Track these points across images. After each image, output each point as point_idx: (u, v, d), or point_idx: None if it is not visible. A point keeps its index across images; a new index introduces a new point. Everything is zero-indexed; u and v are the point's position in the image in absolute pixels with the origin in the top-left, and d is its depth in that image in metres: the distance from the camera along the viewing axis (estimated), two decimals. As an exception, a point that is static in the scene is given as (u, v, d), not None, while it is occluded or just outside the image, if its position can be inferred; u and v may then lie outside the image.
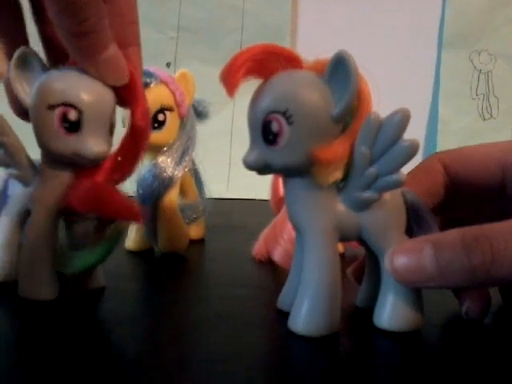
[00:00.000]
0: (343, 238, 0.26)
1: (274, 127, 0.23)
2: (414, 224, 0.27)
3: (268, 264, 0.37)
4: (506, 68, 0.75)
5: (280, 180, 0.40)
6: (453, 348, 0.25)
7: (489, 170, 0.29)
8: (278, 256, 0.36)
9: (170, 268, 0.38)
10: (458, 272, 0.23)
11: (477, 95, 0.75)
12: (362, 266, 0.30)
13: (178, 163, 0.39)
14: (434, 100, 0.75)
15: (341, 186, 0.25)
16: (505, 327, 0.28)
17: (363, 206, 0.25)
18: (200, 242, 0.45)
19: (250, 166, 0.24)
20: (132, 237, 0.41)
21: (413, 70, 0.74)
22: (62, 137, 0.27)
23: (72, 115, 0.26)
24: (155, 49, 0.73)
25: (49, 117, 0.27)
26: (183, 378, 0.22)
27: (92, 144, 0.27)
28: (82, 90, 0.27)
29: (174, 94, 0.39)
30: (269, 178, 0.41)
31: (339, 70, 0.23)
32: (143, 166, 0.38)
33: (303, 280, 0.25)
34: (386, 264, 0.24)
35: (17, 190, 0.31)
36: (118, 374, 0.22)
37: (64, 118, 0.27)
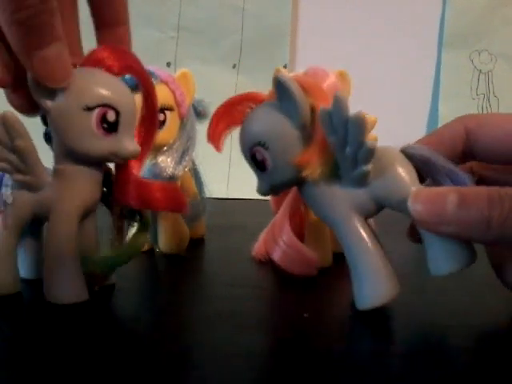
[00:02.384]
0: (369, 215, 0.28)
1: (258, 157, 0.28)
2: (430, 173, 0.27)
3: (268, 264, 0.37)
4: (506, 68, 0.75)
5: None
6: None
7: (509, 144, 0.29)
8: (277, 257, 0.35)
9: (170, 268, 0.38)
10: (475, 221, 0.24)
11: (477, 95, 0.75)
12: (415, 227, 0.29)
13: (178, 163, 0.39)
14: (434, 100, 0.75)
15: (339, 173, 0.27)
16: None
17: (363, 180, 0.27)
18: (200, 241, 0.45)
19: (263, 194, 0.30)
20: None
21: (413, 70, 0.74)
22: (100, 138, 0.27)
23: (111, 116, 0.27)
24: (155, 48, 0.73)
25: (85, 118, 0.26)
26: (183, 377, 0.22)
27: (128, 144, 0.28)
28: (118, 90, 0.27)
29: (174, 93, 0.39)
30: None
31: (283, 91, 0.26)
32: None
33: (353, 265, 0.28)
34: (409, 203, 0.25)
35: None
36: (117, 372, 0.22)
37: (103, 119, 0.27)
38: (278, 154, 0.28)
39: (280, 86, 0.27)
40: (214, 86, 0.69)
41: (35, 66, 0.25)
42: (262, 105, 0.29)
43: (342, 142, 0.26)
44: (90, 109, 0.26)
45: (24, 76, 0.27)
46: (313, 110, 0.27)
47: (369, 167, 0.26)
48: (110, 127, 0.27)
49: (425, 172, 0.27)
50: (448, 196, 0.24)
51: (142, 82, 0.29)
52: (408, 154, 0.27)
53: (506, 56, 0.75)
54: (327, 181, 0.28)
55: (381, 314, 0.28)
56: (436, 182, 0.27)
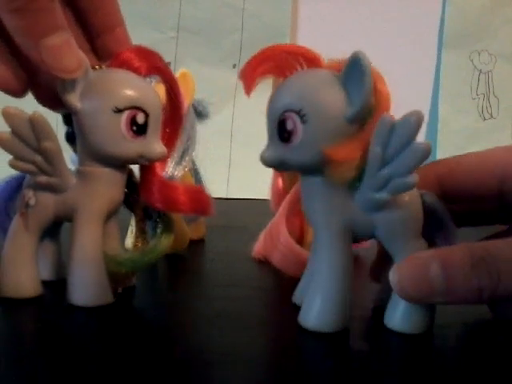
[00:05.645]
0: (357, 237, 0.26)
1: (289, 125, 0.24)
2: (433, 228, 0.26)
3: (268, 264, 0.37)
4: (506, 68, 0.75)
5: (280, 180, 0.40)
6: (461, 348, 0.25)
7: (484, 183, 0.29)
8: (276, 260, 0.35)
9: (169, 268, 0.38)
10: (466, 291, 0.23)
11: (477, 95, 0.75)
12: (377, 266, 0.30)
13: (178, 163, 0.39)
14: (433, 100, 0.75)
15: (357, 185, 0.25)
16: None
17: (375, 206, 0.25)
18: (200, 241, 0.45)
19: (265, 163, 0.25)
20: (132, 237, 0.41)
21: (413, 70, 0.74)
22: (129, 140, 0.27)
23: (140, 118, 0.27)
24: (155, 49, 0.72)
25: (114, 120, 0.26)
26: (183, 377, 0.22)
27: (156, 146, 0.28)
28: (147, 92, 0.27)
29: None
30: (269, 177, 0.41)
31: (354, 70, 0.23)
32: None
33: (314, 276, 0.26)
34: (391, 279, 0.24)
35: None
36: (117, 373, 0.22)
37: (132, 121, 0.26)
38: (314, 133, 0.24)
39: (354, 62, 0.23)
40: (214, 86, 0.69)
41: (45, 56, 0.24)
42: (321, 73, 0.25)
43: (384, 161, 0.23)
44: (119, 111, 0.26)
45: (35, 76, 0.26)
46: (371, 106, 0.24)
47: (390, 197, 0.24)
48: (140, 129, 0.27)
49: (429, 223, 0.26)
50: (430, 267, 0.23)
51: (168, 83, 0.29)
52: (423, 200, 0.26)
53: (506, 56, 0.75)
54: (331, 185, 0.25)
55: (380, 314, 0.28)
56: (429, 235, 0.26)
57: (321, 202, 0.26)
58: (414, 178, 0.23)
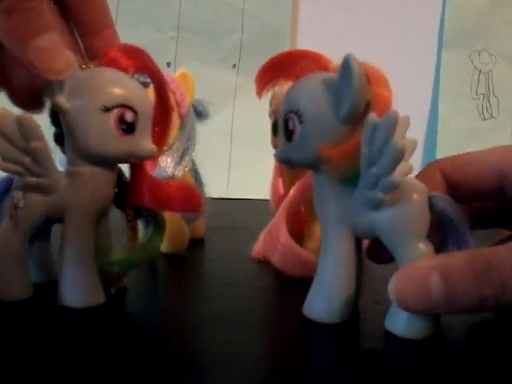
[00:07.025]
0: (360, 235, 0.27)
1: (290, 125, 0.26)
2: (446, 233, 0.26)
3: (268, 264, 0.37)
4: (505, 68, 0.75)
5: (280, 180, 0.40)
6: (464, 349, 0.25)
7: (486, 177, 0.29)
8: (275, 260, 0.35)
9: (169, 268, 0.38)
10: (467, 302, 0.22)
11: (477, 95, 0.75)
12: (375, 245, 0.29)
13: (178, 163, 0.39)
14: (433, 100, 0.75)
15: (357, 183, 0.25)
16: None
17: (372, 205, 0.25)
18: (200, 242, 0.45)
19: (276, 159, 0.28)
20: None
21: (413, 70, 0.74)
22: (118, 138, 0.27)
23: (129, 116, 0.27)
24: (155, 49, 0.72)
25: (103, 119, 0.26)
26: (183, 377, 0.22)
27: (146, 144, 0.28)
28: (135, 90, 0.27)
29: (173, 93, 0.39)
30: (269, 177, 0.41)
31: (345, 73, 0.24)
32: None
33: (318, 270, 0.27)
34: (390, 289, 0.24)
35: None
36: (117, 373, 0.22)
37: (121, 120, 0.26)
38: (309, 133, 0.25)
39: (344, 65, 0.24)
40: (214, 86, 0.69)
41: (32, 58, 0.24)
42: (323, 76, 0.26)
43: (371, 160, 0.24)
44: (107, 109, 0.26)
45: (9, 76, 0.26)
46: (368, 107, 0.25)
47: (384, 196, 0.24)
48: (128, 128, 0.27)
49: (437, 225, 0.26)
50: (430, 277, 0.22)
51: (157, 81, 0.29)
52: (431, 203, 0.26)
53: (506, 56, 0.75)
54: (341, 184, 0.26)
55: (379, 313, 0.28)
56: (440, 238, 0.26)
57: (324, 197, 0.27)
58: (396, 177, 0.24)
